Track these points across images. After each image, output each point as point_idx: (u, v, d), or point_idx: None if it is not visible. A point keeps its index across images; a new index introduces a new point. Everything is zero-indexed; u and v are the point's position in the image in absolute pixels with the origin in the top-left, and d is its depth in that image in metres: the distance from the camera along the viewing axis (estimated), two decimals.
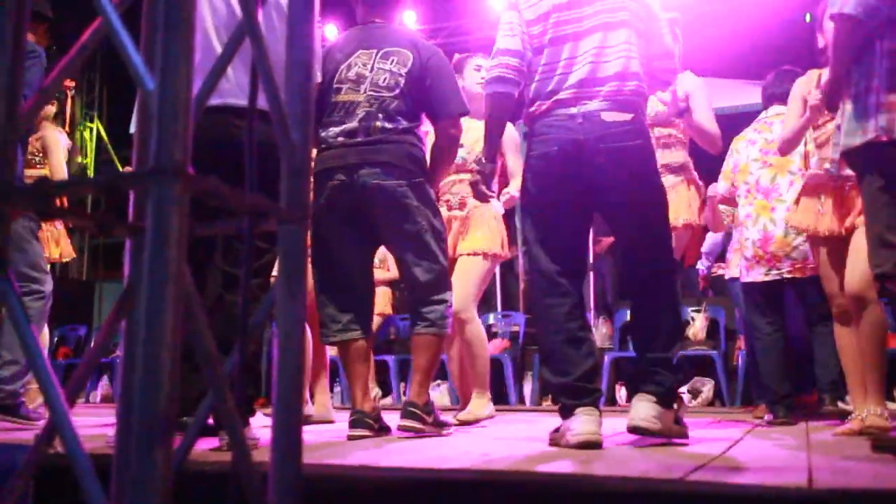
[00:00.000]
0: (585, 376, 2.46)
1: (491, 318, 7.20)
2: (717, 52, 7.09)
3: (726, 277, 4.85)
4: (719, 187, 4.21)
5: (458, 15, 9.59)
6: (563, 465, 1.93)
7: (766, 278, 3.84)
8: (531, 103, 2.62)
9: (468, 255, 3.73)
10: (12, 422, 3.14)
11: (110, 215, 0.76)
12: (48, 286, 3.41)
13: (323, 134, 2.94)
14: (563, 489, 1.53)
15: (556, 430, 2.51)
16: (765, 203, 3.84)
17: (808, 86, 3.21)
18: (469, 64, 3.96)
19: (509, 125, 3.93)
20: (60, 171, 4.07)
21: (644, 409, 2.37)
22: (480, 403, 3.68)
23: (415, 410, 2.81)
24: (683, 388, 6.16)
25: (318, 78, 2.87)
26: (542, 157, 2.56)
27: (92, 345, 4.04)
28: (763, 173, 3.90)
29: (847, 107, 2.43)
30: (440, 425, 2.95)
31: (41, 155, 4.09)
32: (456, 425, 3.37)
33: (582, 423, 2.34)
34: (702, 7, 7.10)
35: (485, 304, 8.13)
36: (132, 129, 3.01)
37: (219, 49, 2.46)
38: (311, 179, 2.98)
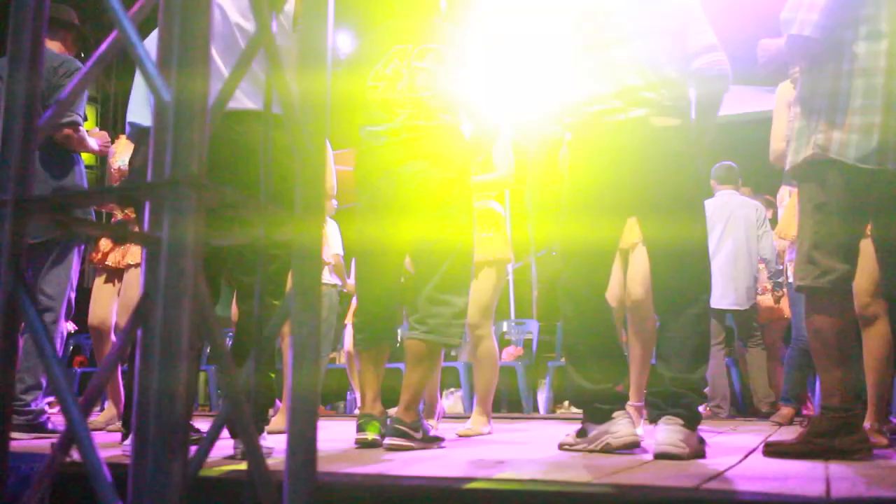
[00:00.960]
0: (621, 384, 2.56)
1: (504, 326, 7.19)
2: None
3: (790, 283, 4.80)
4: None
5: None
6: (577, 473, 1.92)
7: None
8: (573, 110, 2.62)
9: (480, 262, 3.67)
10: (45, 436, 3.16)
11: (126, 225, 0.76)
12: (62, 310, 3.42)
13: (362, 135, 2.91)
14: (579, 499, 1.52)
15: (579, 434, 2.54)
16: None
17: (792, 91, 3.19)
18: None
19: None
20: None
21: (672, 434, 2.29)
22: (481, 420, 3.62)
23: (402, 428, 2.66)
24: None
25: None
26: (588, 161, 2.56)
27: (107, 353, 4.06)
28: None
29: (795, 125, 2.43)
30: (430, 441, 2.78)
31: None
32: (460, 437, 3.35)
33: (624, 426, 2.45)
34: (714, 13, 7.07)
35: (498, 311, 8.13)
36: (129, 118, 3.03)
37: (217, 58, 2.46)
38: (352, 179, 2.97)
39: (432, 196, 2.78)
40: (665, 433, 2.29)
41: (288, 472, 0.79)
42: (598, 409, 2.50)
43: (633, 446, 2.43)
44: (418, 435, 2.71)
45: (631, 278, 3.54)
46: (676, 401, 2.37)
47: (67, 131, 3.26)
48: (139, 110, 3.06)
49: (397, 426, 2.67)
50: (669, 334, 2.49)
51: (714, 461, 2.16)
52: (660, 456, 2.25)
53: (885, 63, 2.32)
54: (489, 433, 3.60)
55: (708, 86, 2.55)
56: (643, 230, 2.67)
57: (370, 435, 2.72)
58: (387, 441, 2.67)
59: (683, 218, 2.49)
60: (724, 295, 5.24)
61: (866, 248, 2.89)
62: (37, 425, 3.23)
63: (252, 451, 0.78)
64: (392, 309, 2.92)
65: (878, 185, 2.33)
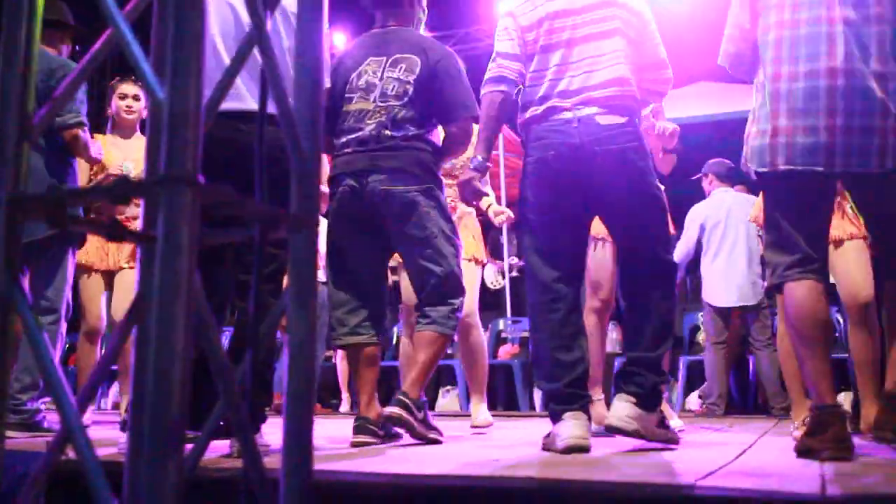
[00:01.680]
0: (575, 382, 2.50)
1: (501, 324, 7.19)
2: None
3: None
4: None
5: (467, 22, 9.61)
6: (572, 470, 1.92)
7: None
8: (524, 109, 2.68)
9: (465, 261, 3.72)
10: (40, 435, 3.16)
11: (121, 224, 0.76)
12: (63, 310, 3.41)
13: (336, 142, 2.96)
14: (573, 495, 1.52)
15: (548, 436, 2.53)
16: None
17: None
18: None
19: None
20: None
21: (621, 409, 2.42)
22: (483, 408, 3.77)
23: (405, 400, 2.76)
24: (694, 393, 6.14)
25: (328, 83, 2.87)
26: (539, 161, 2.59)
27: (103, 352, 4.06)
28: None
29: (752, 129, 2.40)
30: (429, 427, 2.86)
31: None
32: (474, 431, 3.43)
33: (570, 428, 2.39)
34: (705, 11, 7.09)
35: (496, 309, 8.14)
36: None
37: (225, 57, 2.47)
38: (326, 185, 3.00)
39: (397, 211, 2.84)
40: (615, 409, 2.44)
41: (284, 471, 0.79)
42: (552, 409, 2.52)
43: (577, 451, 2.35)
44: (419, 414, 2.79)
45: (599, 274, 3.52)
46: (631, 379, 2.48)
47: (75, 131, 3.25)
48: None
49: (401, 398, 2.76)
50: (631, 315, 2.59)
51: (710, 457, 2.17)
52: (607, 429, 2.44)
53: (827, 63, 2.26)
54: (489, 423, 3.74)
55: (650, 99, 2.77)
56: (606, 226, 2.78)
57: (365, 438, 2.73)
58: (387, 410, 2.75)
59: (640, 212, 2.56)
60: (728, 292, 5.22)
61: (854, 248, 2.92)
62: (33, 424, 3.22)
63: (247, 450, 0.78)
64: (366, 309, 2.93)
65: (818, 186, 2.30)
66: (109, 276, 4.11)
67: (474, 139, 3.28)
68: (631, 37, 2.62)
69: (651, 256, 2.58)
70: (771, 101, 2.30)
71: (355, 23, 7.38)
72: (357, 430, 2.77)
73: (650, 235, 2.59)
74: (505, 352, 6.82)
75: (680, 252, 5.51)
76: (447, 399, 6.86)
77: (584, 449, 2.35)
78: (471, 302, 3.69)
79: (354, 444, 2.72)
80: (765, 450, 2.52)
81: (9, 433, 3.09)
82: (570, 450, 2.34)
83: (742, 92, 7.28)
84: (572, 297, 2.60)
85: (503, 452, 2.50)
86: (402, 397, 2.76)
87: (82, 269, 4.00)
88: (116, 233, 0.74)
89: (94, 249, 4.06)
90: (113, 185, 0.69)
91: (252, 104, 2.43)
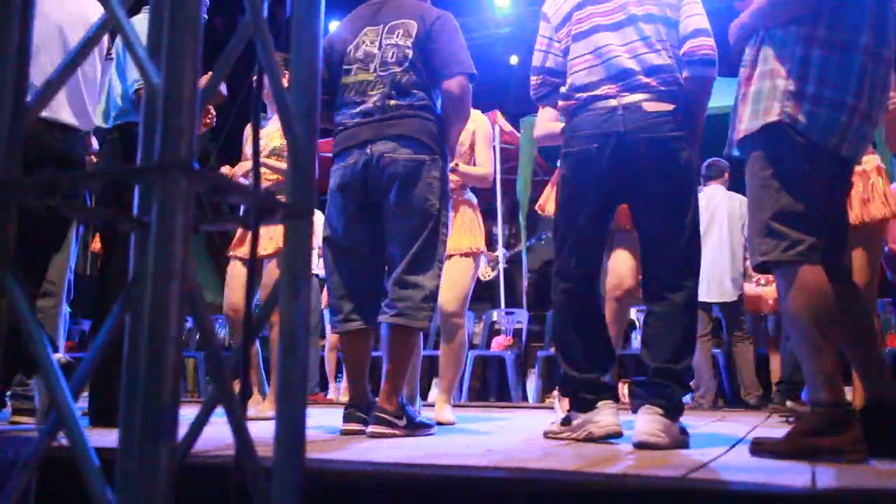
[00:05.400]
0: (606, 373, 2.55)
1: (494, 315, 7.20)
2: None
3: None
4: None
5: (464, 12, 9.58)
6: (564, 462, 1.93)
7: None
8: (566, 98, 2.62)
9: (460, 255, 3.65)
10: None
11: (115, 209, 0.76)
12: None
13: (339, 117, 2.89)
14: (565, 487, 1.53)
15: (564, 423, 2.54)
16: None
17: None
18: None
19: (483, 117, 3.93)
20: None
21: (651, 424, 2.28)
22: (449, 409, 3.60)
23: (384, 416, 2.66)
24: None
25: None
26: (580, 154, 2.54)
27: (96, 339, 4.05)
28: None
29: (752, 88, 2.22)
30: (416, 427, 2.76)
31: None
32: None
33: (607, 416, 2.45)
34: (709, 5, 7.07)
35: (489, 300, 8.15)
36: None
37: (70, 45, 2.54)
38: (330, 163, 2.94)
39: (400, 176, 2.75)
40: (645, 423, 2.29)
41: (276, 459, 0.79)
42: (583, 398, 2.51)
43: (614, 436, 2.44)
44: (402, 423, 2.69)
45: (621, 267, 3.51)
46: (658, 391, 2.36)
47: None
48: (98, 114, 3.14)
49: (379, 414, 2.66)
50: (654, 322, 2.47)
51: (700, 452, 2.17)
52: (638, 445, 2.25)
53: (867, 40, 2.13)
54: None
55: (694, 70, 2.53)
56: (634, 216, 2.65)
57: (354, 426, 2.72)
58: (369, 429, 2.66)
59: (674, 204, 2.48)
60: (710, 288, 5.28)
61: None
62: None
63: (240, 438, 0.78)
64: (361, 295, 2.85)
65: (830, 167, 2.18)
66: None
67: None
68: (668, 17, 2.54)
69: (677, 253, 2.48)
70: (802, 64, 2.14)
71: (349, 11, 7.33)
72: (347, 418, 2.75)
73: (680, 230, 2.48)
74: (498, 343, 6.83)
75: None
76: (440, 389, 6.86)
77: (620, 435, 2.44)
78: (462, 299, 3.62)
79: (345, 433, 2.71)
80: None
81: (20, 419, 3.13)
82: (609, 436, 2.43)
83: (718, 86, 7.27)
84: (596, 292, 2.62)
85: (495, 443, 2.51)
86: (380, 414, 2.66)
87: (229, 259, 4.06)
88: (110, 219, 0.74)
89: (238, 239, 4.09)
90: (107, 171, 0.68)
91: (63, 115, 2.65)
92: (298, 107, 0.83)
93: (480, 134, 3.81)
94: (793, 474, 1.64)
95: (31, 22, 0.81)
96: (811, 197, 2.14)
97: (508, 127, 7.75)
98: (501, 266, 7.40)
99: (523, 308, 7.26)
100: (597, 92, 2.51)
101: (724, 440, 2.55)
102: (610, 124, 2.48)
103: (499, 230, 8.01)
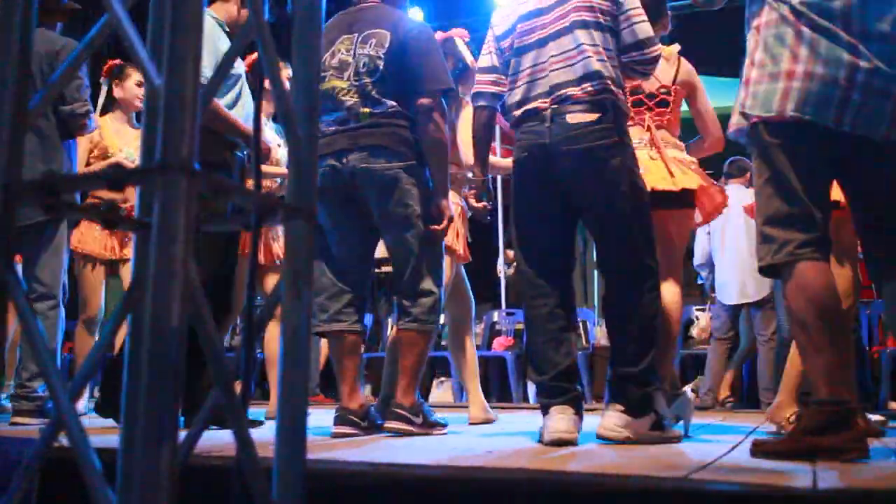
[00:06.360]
0: (561, 376, 2.50)
1: (495, 316, 7.19)
2: (725, 51, 7.06)
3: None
4: None
5: (465, 13, 9.58)
6: (564, 462, 1.93)
7: None
8: (506, 113, 2.69)
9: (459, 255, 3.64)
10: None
11: (116, 210, 0.76)
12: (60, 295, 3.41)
13: None
14: (565, 487, 1.53)
15: (542, 428, 2.54)
16: None
17: None
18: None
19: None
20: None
21: (609, 419, 2.42)
22: (485, 406, 3.63)
23: (401, 412, 2.74)
24: (687, 388, 6.15)
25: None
26: (517, 162, 2.62)
27: (97, 340, 4.06)
28: None
29: (753, 73, 2.13)
30: (431, 426, 2.84)
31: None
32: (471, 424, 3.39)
33: (556, 422, 2.41)
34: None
35: (490, 301, 8.15)
36: None
37: None
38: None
39: (377, 188, 2.78)
40: (605, 419, 2.44)
41: (277, 460, 0.79)
42: (540, 402, 2.54)
43: (562, 444, 2.35)
44: (418, 420, 2.77)
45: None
46: (619, 391, 2.47)
47: (85, 122, 3.25)
48: None
49: (396, 410, 2.75)
50: (610, 328, 2.57)
51: (701, 452, 2.17)
52: (598, 437, 2.43)
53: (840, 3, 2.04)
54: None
55: (641, 78, 2.67)
56: (588, 229, 2.68)
57: (347, 429, 2.71)
58: (387, 424, 2.73)
59: (612, 212, 2.49)
60: (730, 290, 5.27)
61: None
62: (45, 411, 3.24)
63: (241, 438, 0.78)
64: (348, 295, 2.87)
65: (833, 146, 2.08)
66: (111, 266, 4.11)
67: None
68: (606, 24, 2.55)
69: (625, 258, 2.50)
70: (791, 42, 2.07)
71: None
72: (338, 420, 2.73)
73: (624, 236, 2.50)
74: (499, 343, 6.82)
75: (696, 253, 5.59)
76: (441, 390, 6.87)
77: (568, 443, 2.36)
78: (468, 308, 3.62)
79: (335, 436, 2.69)
80: None
81: (21, 420, 3.14)
82: (553, 444, 2.35)
83: (715, 85, 7.28)
84: (560, 293, 2.58)
85: (495, 444, 2.50)
86: (397, 409, 2.75)
87: (85, 259, 4.00)
88: (112, 219, 0.74)
89: (94, 239, 4.05)
90: (108, 172, 0.69)
91: None
92: (299, 107, 0.83)
93: None
94: (794, 475, 1.64)
95: (32, 23, 0.81)
96: (802, 192, 2.08)
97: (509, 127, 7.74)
98: (502, 267, 7.39)
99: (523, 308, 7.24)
100: (530, 105, 2.57)
101: (725, 440, 2.54)
102: (538, 136, 2.53)
103: (499, 231, 8.00)
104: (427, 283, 2.82)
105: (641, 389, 2.45)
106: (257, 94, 0.89)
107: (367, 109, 2.81)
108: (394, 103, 2.82)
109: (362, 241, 2.92)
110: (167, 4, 0.68)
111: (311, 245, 0.83)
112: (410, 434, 2.70)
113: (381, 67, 2.81)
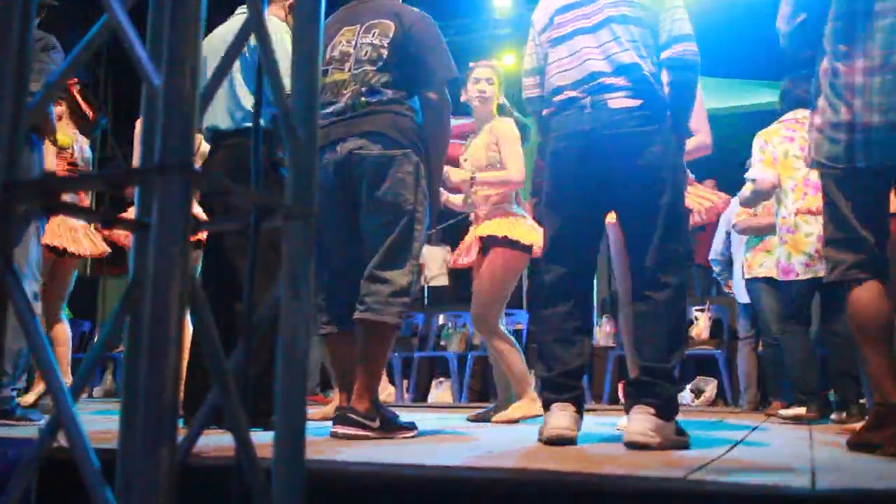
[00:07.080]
0: (568, 373, 2.46)
1: None
2: (724, 52, 7.08)
3: (746, 278, 4.77)
4: (768, 175, 4.07)
5: (464, 12, 9.59)
6: (564, 462, 1.93)
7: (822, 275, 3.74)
8: (546, 105, 2.66)
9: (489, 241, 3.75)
10: (14, 423, 3.14)
11: (115, 211, 0.76)
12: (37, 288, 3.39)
13: None
14: (565, 487, 1.53)
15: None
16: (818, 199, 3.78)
17: None
18: (469, 77, 4.03)
19: (503, 123, 3.94)
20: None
21: (642, 423, 2.26)
22: (523, 404, 3.72)
23: (352, 416, 2.59)
24: (686, 387, 6.16)
25: None
26: (555, 153, 2.57)
27: (96, 340, 4.06)
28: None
29: (817, 119, 2.44)
30: (394, 429, 2.67)
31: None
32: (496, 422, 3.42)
33: (556, 419, 2.37)
34: (712, 7, 7.09)
35: None
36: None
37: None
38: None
39: (370, 173, 2.73)
40: (635, 422, 2.27)
41: (276, 459, 0.79)
42: (544, 397, 2.50)
43: (560, 442, 2.32)
44: (374, 424, 2.62)
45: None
46: (648, 389, 2.33)
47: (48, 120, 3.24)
48: (220, 114, 3.09)
49: (347, 414, 2.60)
50: (639, 322, 2.45)
51: (701, 452, 2.17)
52: (629, 445, 2.23)
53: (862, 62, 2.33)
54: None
55: (675, 75, 2.55)
56: (618, 216, 2.64)
57: (346, 429, 2.66)
58: (335, 429, 2.59)
59: (647, 200, 2.45)
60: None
61: None
62: (6, 411, 3.20)
63: (240, 438, 0.78)
64: (346, 295, 2.82)
65: (858, 184, 2.38)
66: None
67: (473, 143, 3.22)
68: (647, 20, 2.54)
69: (658, 246, 2.42)
70: (844, 94, 2.36)
71: None
72: (337, 420, 2.67)
73: (661, 224, 2.42)
74: None
75: (712, 249, 5.60)
76: (440, 390, 6.87)
77: (568, 440, 2.32)
78: (482, 299, 3.71)
79: (334, 436, 2.64)
80: (755, 444, 2.52)
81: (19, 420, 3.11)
82: (552, 440, 2.31)
83: (735, 87, 7.28)
84: (581, 292, 2.57)
85: (495, 444, 2.50)
86: (347, 414, 2.60)
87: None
88: (110, 220, 0.74)
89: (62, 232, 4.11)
90: (108, 173, 0.69)
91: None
92: (299, 107, 0.83)
93: (504, 139, 3.85)
94: (792, 475, 1.64)
95: (32, 23, 0.81)
96: (865, 217, 2.38)
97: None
98: None
99: (523, 309, 7.24)
100: (570, 94, 2.55)
101: (724, 440, 2.54)
102: (577, 123, 2.50)
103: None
104: (388, 273, 2.70)
105: (673, 387, 2.37)
106: (257, 95, 0.89)
107: (364, 99, 2.79)
108: (393, 92, 2.80)
109: (359, 240, 2.87)
110: (167, 4, 0.68)
111: (311, 246, 0.83)
112: (365, 438, 2.55)
113: (384, 56, 2.80)
